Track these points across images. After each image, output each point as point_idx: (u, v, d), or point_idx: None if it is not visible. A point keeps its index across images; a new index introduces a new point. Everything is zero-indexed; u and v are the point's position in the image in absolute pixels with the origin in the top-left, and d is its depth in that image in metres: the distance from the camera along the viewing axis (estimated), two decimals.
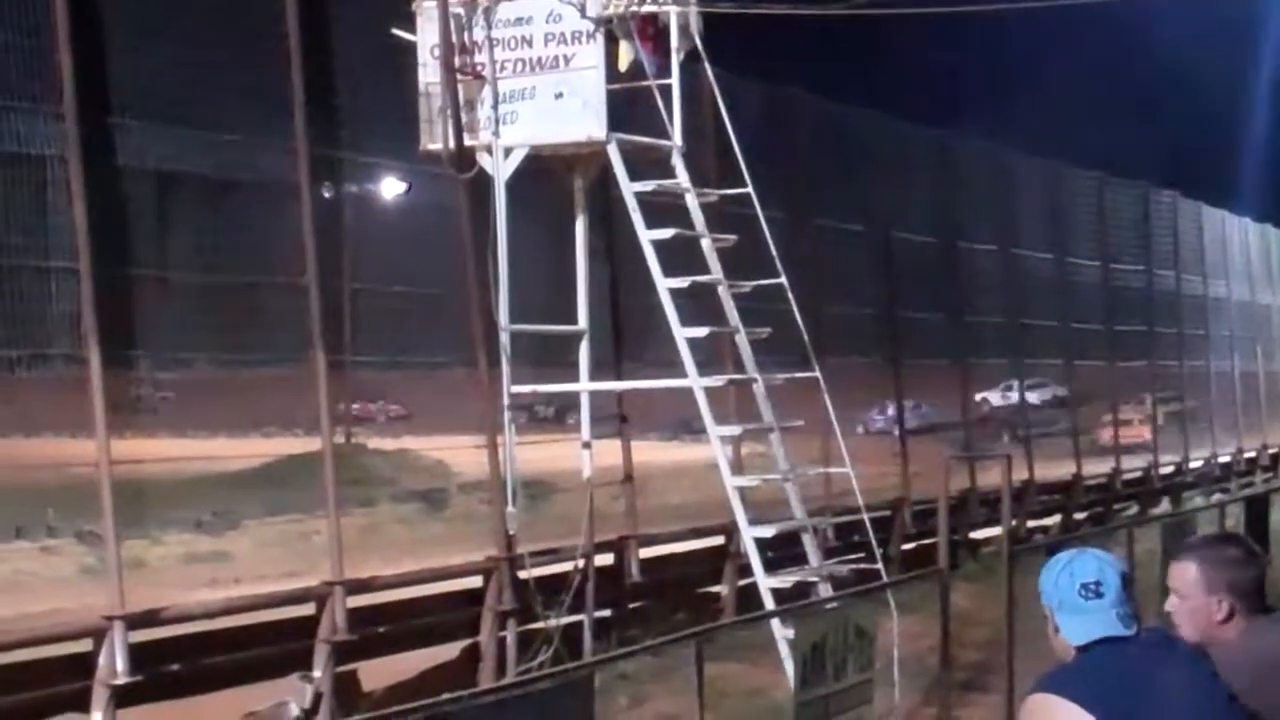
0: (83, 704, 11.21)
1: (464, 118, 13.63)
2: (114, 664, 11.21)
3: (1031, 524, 23.23)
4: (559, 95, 13.69)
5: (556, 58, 13.67)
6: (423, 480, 16.85)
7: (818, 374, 14.33)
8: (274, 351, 13.78)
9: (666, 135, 14.06)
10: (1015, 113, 43.56)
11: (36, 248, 11.87)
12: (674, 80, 14.03)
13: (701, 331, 13.88)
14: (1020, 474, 22.05)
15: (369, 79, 14.30)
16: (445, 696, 8.15)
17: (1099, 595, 4.72)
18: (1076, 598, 4.74)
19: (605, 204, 15.28)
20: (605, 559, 15.26)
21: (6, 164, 11.84)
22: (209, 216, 13.66)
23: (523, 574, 13.96)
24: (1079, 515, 24.94)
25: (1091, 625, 4.71)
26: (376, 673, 12.95)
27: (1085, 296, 27.18)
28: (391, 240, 15.38)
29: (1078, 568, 4.78)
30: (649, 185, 13.90)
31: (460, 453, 15.39)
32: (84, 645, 11.30)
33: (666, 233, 13.83)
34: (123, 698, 11.27)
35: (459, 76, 13.64)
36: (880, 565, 14.23)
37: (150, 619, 11.58)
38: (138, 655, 11.30)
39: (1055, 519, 24.53)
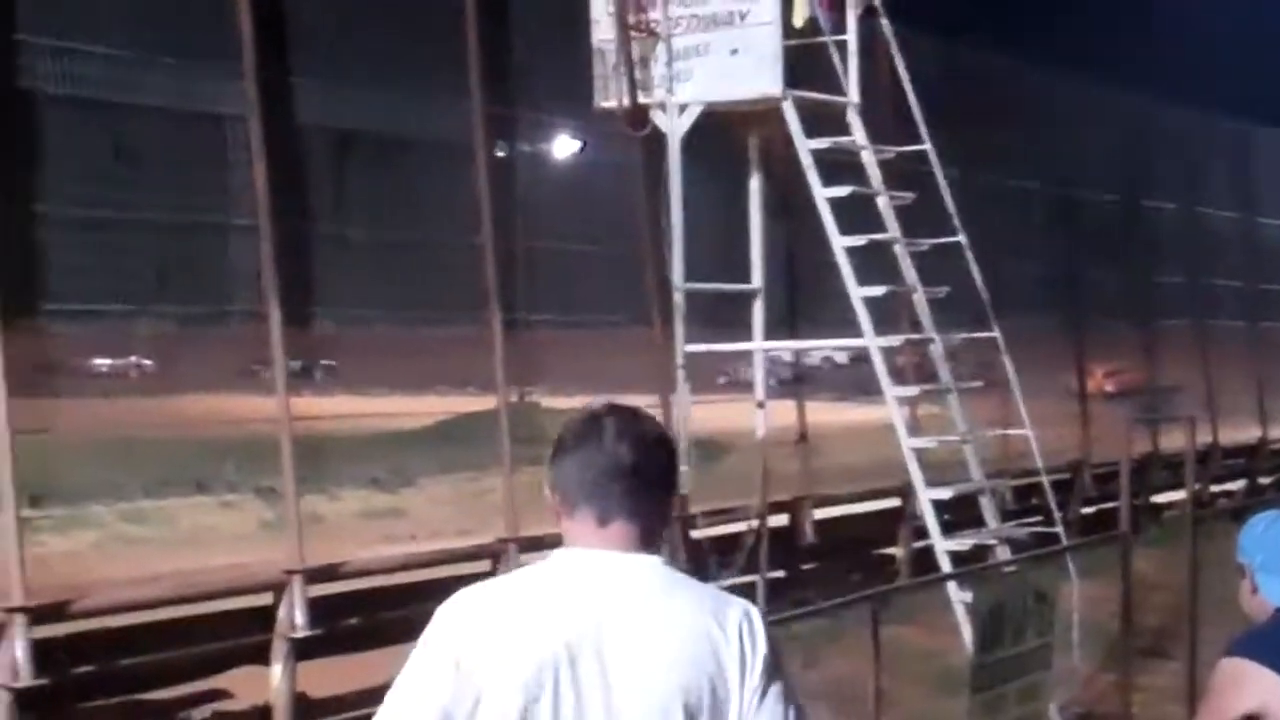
0: (263, 657, 11.37)
1: (638, 75, 13.58)
2: (293, 617, 11.34)
3: (1215, 489, 22.81)
4: (734, 52, 13.58)
5: (731, 13, 13.56)
6: None
7: (996, 334, 14.13)
8: (449, 310, 13.85)
9: (842, 92, 13.91)
10: (1206, 71, 42.73)
11: (217, 206, 12.02)
12: (850, 35, 13.88)
13: (878, 290, 13.72)
14: (1204, 438, 21.64)
15: (544, 37, 14.30)
16: None
17: None
18: (1278, 557, 4.61)
19: (780, 161, 15.15)
20: (779, 520, 15.18)
21: (189, 123, 11.99)
22: (386, 175, 13.75)
23: (695, 534, 13.92)
24: (1264, 480, 24.45)
25: None
26: None
27: (1273, 257, 26.61)
28: (565, 198, 15.39)
29: None
30: (825, 142, 13.76)
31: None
32: (264, 599, 11.45)
33: (843, 190, 13.68)
34: (302, 651, 11.40)
35: (633, 34, 13.59)
36: (1059, 529, 14.03)
37: (329, 573, 11.69)
38: (316, 609, 11.42)
39: (1240, 484, 24.07)
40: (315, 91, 12.46)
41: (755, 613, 3.47)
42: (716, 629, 3.39)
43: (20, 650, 9.89)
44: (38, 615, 10.01)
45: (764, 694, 3.40)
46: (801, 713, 3.47)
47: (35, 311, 10.89)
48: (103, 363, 12.47)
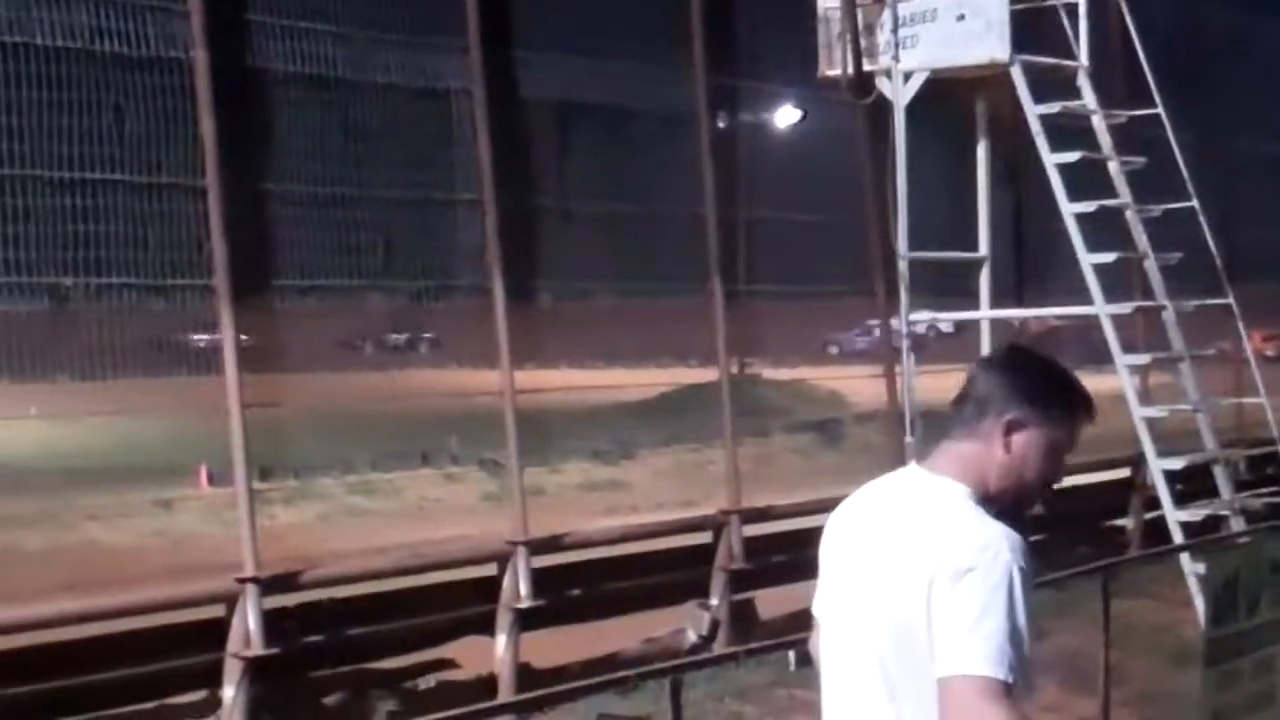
0: (488, 627, 11.47)
1: (863, 42, 13.43)
2: (517, 588, 11.43)
3: None
4: (960, 17, 13.35)
5: None
6: (817, 410, 16.76)
7: (1231, 301, 13.77)
8: (671, 281, 13.84)
9: (1072, 55, 13.62)
10: None
11: (442, 180, 12.13)
12: None
13: (1109, 257, 13.43)
14: None
15: (767, 5, 14.21)
16: None
17: None
18: None
19: (1007, 127, 14.89)
20: None
21: (415, 99, 12.11)
22: (608, 147, 13.78)
23: None
24: None
25: None
26: (774, 601, 12.95)
27: None
28: (788, 168, 15.29)
29: None
30: (1054, 107, 13.49)
31: (856, 383, 15.25)
32: (488, 570, 11.54)
33: (1072, 155, 13.40)
34: (526, 622, 11.48)
35: (858, 1, 13.44)
36: None
37: (552, 544, 11.76)
38: (540, 580, 11.49)
39: None
40: (539, 65, 12.52)
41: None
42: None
43: (252, 620, 10.09)
44: (268, 586, 10.20)
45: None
46: None
47: (266, 288, 11.09)
48: (333, 338, 12.67)
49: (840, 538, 4.10)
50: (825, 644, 4.05)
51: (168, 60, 10.38)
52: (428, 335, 13.39)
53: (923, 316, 13.77)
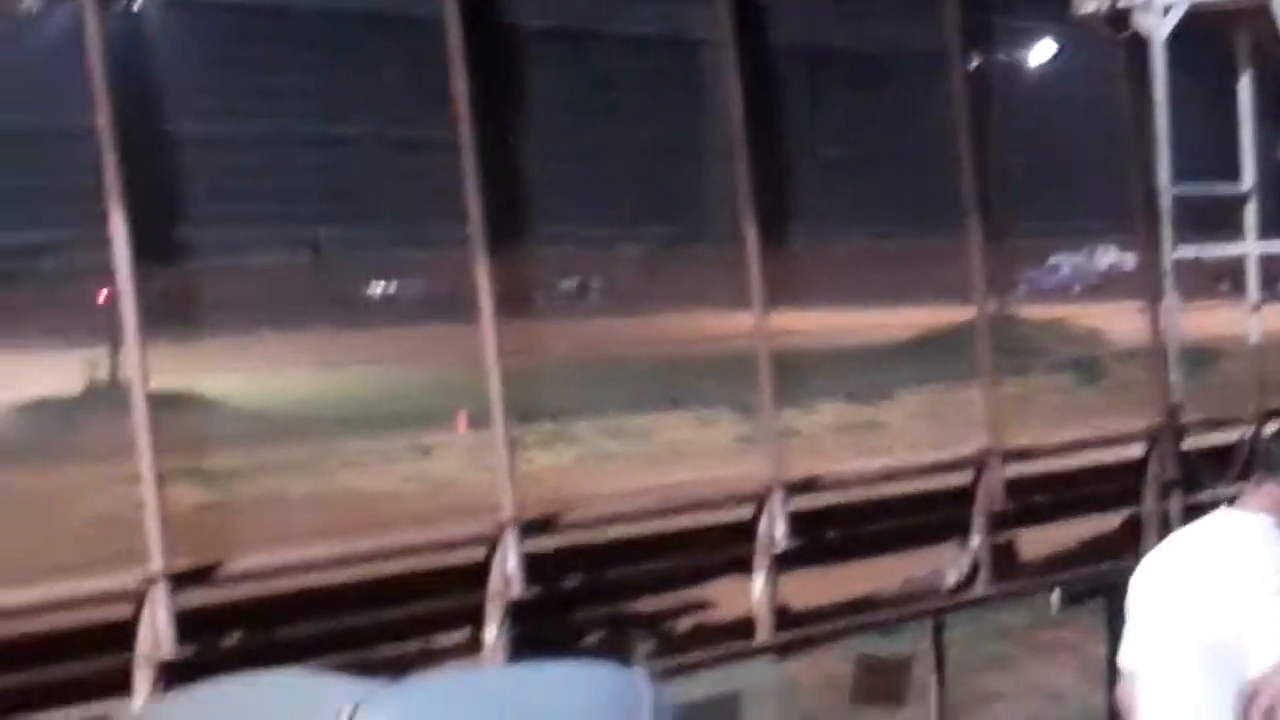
0: (744, 569, 11.47)
1: None
2: (773, 530, 11.41)
3: None
4: None
5: None
6: (1076, 348, 16.49)
7: None
8: (925, 223, 13.72)
9: None
10: None
11: (692, 129, 12.17)
12: None
13: None
14: None
15: None
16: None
17: None
18: None
19: (1270, 61, 14.48)
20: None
21: (664, 50, 12.17)
22: (859, 91, 13.70)
23: (1187, 444, 13.46)
24: None
25: None
26: (1034, 542, 12.78)
27: None
28: (1043, 106, 15.05)
29: None
30: None
31: (1115, 320, 14.94)
32: (744, 512, 11.55)
33: None
34: (782, 563, 11.46)
35: None
36: None
37: (808, 486, 11.71)
38: (795, 522, 11.46)
39: None
40: (788, 11, 12.46)
41: None
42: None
43: (512, 562, 10.22)
44: (527, 528, 10.33)
45: None
46: None
47: (521, 237, 11.23)
48: (580, 284, 12.80)
49: (1153, 585, 4.42)
50: (1141, 689, 4.35)
51: (420, 19, 10.55)
52: (680, 280, 13.44)
53: (1186, 252, 13.47)
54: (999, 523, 12.56)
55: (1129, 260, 14.93)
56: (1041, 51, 15.20)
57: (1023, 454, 12.74)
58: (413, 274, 10.72)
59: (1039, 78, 15.34)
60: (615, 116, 11.94)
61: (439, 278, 10.86)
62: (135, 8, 9.93)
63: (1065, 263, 18.92)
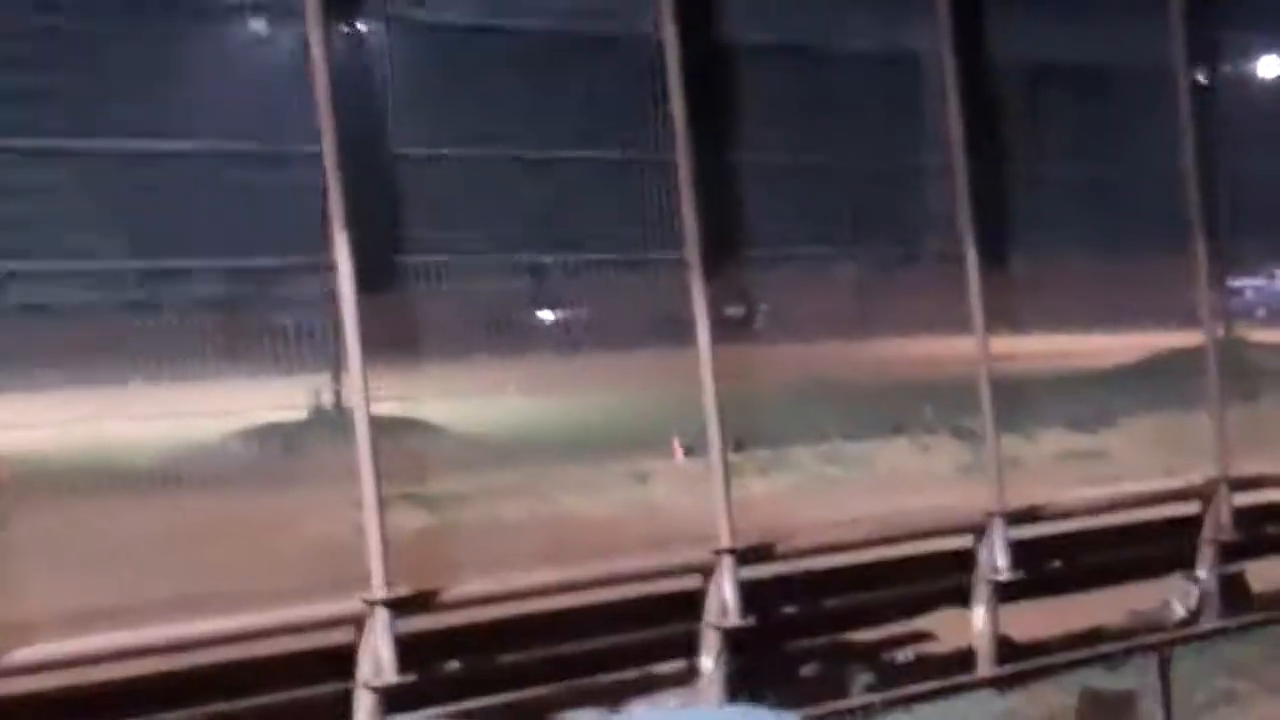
0: (964, 599, 11.30)
1: None
2: (994, 560, 11.24)
3: None
4: None
5: None
6: None
7: None
8: (1150, 243, 13.40)
9: None
10: None
11: (911, 146, 12.01)
12: None
13: None
14: None
15: None
16: None
17: None
18: None
19: None
20: None
21: (882, 65, 12.02)
22: (1081, 107, 13.42)
23: None
24: None
25: None
26: (1266, 574, 12.47)
27: None
28: (1273, 121, 14.63)
29: None
30: None
31: None
32: (964, 541, 11.37)
33: None
34: (1004, 594, 11.28)
35: None
36: None
37: (1030, 515, 11.52)
38: (1017, 552, 11.27)
39: None
40: (1007, 25, 12.27)
41: None
42: None
43: (728, 591, 10.15)
44: (744, 556, 10.25)
45: None
46: None
47: (737, 259, 11.15)
48: (802, 308, 12.65)
49: None
50: None
51: (637, 37, 10.51)
52: (899, 303, 13.26)
53: None
54: (1228, 554, 12.28)
55: None
56: (1274, 65, 14.81)
57: (1253, 482, 12.44)
58: (628, 297, 10.66)
59: (1270, 91, 14.94)
60: (832, 133, 11.79)
61: (655, 301, 10.79)
62: (359, 30, 9.98)
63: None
